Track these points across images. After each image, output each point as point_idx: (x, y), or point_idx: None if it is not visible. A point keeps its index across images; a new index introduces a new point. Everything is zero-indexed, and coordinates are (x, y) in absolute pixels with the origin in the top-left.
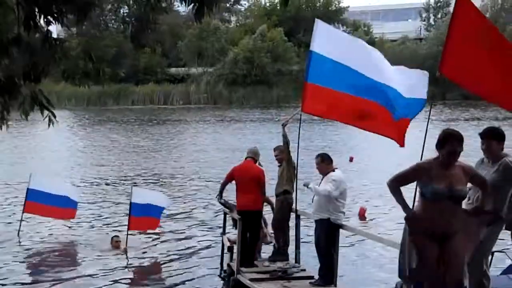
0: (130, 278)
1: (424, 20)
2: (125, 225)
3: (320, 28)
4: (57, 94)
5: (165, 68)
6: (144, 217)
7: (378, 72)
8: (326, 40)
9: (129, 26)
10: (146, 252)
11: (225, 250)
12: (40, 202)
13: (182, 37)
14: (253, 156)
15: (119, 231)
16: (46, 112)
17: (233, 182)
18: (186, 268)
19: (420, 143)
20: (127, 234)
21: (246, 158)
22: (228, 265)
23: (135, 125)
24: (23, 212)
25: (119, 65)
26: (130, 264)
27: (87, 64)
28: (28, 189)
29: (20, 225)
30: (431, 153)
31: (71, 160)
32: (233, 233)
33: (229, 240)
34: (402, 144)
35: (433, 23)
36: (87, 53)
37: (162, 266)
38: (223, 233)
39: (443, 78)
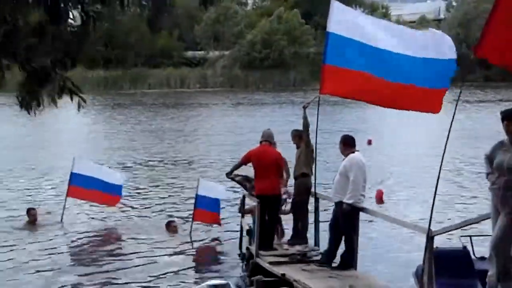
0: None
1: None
2: (172, 209)
3: (336, 8)
4: (73, 78)
5: (181, 52)
6: (208, 211)
7: (397, 43)
8: (342, 19)
9: (145, 9)
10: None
11: (244, 234)
12: (83, 187)
13: (199, 21)
14: (269, 139)
15: (169, 215)
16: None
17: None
18: (206, 251)
19: (444, 126)
20: (191, 225)
21: (261, 142)
22: (247, 248)
23: (156, 109)
24: (66, 197)
25: (134, 48)
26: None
27: (109, 51)
28: (71, 173)
29: (63, 210)
30: (454, 136)
31: (101, 144)
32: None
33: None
34: (436, 111)
35: (454, 3)
36: (109, 39)
37: (184, 249)
38: (242, 216)
39: (465, 59)
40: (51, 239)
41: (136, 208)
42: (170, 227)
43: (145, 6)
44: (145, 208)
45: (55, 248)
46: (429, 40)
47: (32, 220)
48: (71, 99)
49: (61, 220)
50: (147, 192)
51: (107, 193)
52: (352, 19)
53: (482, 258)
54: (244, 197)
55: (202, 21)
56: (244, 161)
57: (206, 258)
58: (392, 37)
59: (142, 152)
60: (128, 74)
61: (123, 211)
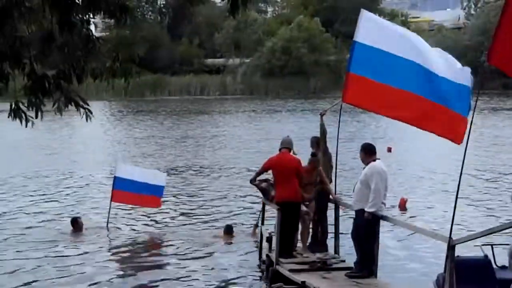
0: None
1: (465, 9)
2: (217, 216)
3: (365, 17)
4: (95, 86)
5: (201, 59)
6: None
7: (426, 59)
8: (371, 29)
9: (166, 17)
10: (192, 241)
11: (264, 241)
12: (127, 191)
13: (219, 28)
14: (288, 146)
15: (211, 220)
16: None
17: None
18: (226, 259)
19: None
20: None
21: (280, 149)
22: (267, 255)
23: (182, 115)
24: (111, 202)
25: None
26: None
27: (114, 63)
28: (115, 177)
29: (108, 217)
30: (475, 145)
31: (132, 150)
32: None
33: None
34: (458, 141)
35: (473, 12)
36: (116, 51)
37: (202, 254)
38: (262, 223)
39: (483, 68)
40: (98, 248)
41: (177, 214)
42: (227, 233)
43: (166, 14)
44: (187, 213)
45: (102, 256)
46: (454, 63)
47: (78, 229)
48: (78, 110)
49: (107, 226)
50: (188, 198)
51: (149, 195)
52: (381, 29)
53: (504, 267)
54: (264, 204)
55: (223, 29)
56: (264, 169)
57: (226, 265)
58: (422, 51)
59: (180, 159)
60: (149, 81)
61: (165, 217)
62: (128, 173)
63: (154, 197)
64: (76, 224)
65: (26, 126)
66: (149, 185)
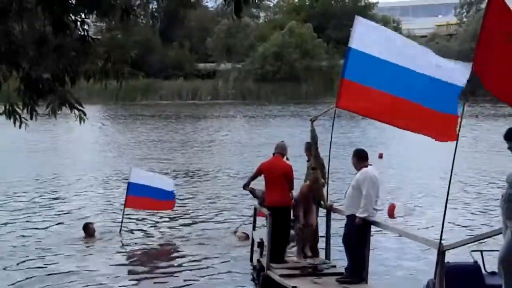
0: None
1: (457, 15)
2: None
3: (360, 24)
4: (87, 89)
5: (193, 64)
6: None
7: (419, 63)
8: (366, 36)
9: (158, 21)
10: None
11: (255, 246)
12: (141, 196)
13: (210, 33)
14: (281, 151)
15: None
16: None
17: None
18: (217, 264)
19: (461, 140)
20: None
21: (274, 154)
22: (258, 260)
23: (172, 120)
24: (124, 207)
25: (147, 60)
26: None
27: (107, 64)
28: (129, 183)
29: (121, 222)
30: (467, 151)
31: (129, 154)
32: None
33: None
34: (453, 139)
35: (465, 19)
36: (110, 51)
37: (192, 261)
38: (253, 228)
39: (475, 75)
40: (111, 253)
41: (186, 218)
42: (238, 235)
43: (158, 18)
44: (195, 218)
45: (114, 261)
46: (447, 63)
47: (90, 234)
48: (71, 111)
49: (120, 232)
50: (195, 202)
51: (162, 200)
52: (375, 35)
53: (493, 273)
54: (255, 209)
55: (214, 33)
56: (257, 173)
57: (217, 271)
58: (416, 56)
59: (182, 163)
60: (140, 85)
61: (174, 222)
62: (141, 178)
63: (167, 201)
64: (88, 229)
65: (20, 127)
66: (162, 190)
